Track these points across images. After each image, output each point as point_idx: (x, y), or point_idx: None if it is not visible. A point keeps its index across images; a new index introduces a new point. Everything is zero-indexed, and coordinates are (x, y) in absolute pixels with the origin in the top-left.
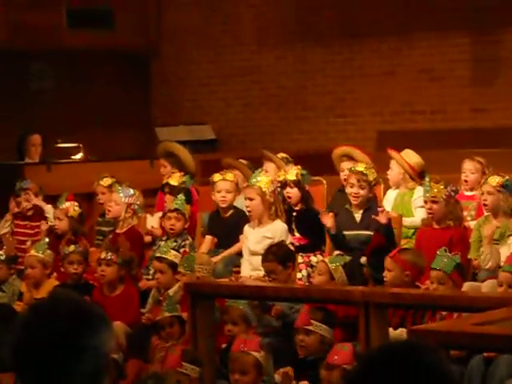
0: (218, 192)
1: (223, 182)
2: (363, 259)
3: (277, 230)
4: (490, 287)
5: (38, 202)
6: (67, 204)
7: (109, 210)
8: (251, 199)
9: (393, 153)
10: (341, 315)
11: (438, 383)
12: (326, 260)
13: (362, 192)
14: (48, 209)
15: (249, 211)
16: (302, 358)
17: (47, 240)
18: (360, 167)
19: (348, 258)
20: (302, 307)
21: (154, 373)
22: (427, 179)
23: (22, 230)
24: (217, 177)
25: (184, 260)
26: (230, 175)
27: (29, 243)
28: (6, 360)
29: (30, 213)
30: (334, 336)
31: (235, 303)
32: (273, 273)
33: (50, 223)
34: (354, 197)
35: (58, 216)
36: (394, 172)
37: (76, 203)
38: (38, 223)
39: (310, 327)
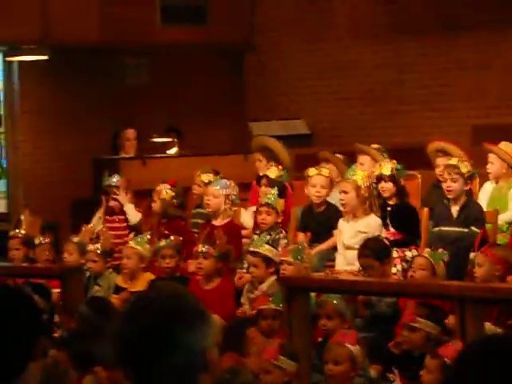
0: (313, 187)
1: (318, 177)
2: (472, 255)
3: (371, 224)
4: None
5: (122, 198)
6: (161, 186)
7: (208, 204)
8: (346, 192)
9: (493, 147)
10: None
11: None
12: (427, 255)
13: (454, 185)
14: (129, 209)
15: (343, 204)
16: (398, 353)
17: (149, 233)
18: (452, 161)
19: (446, 254)
20: (408, 303)
21: (231, 366)
22: None
23: (110, 225)
24: (312, 171)
25: (293, 250)
26: (325, 171)
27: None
28: (107, 353)
29: (118, 210)
30: None
31: (329, 298)
32: (369, 268)
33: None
34: (448, 191)
35: (153, 198)
36: (496, 166)
37: (168, 186)
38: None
39: (416, 324)
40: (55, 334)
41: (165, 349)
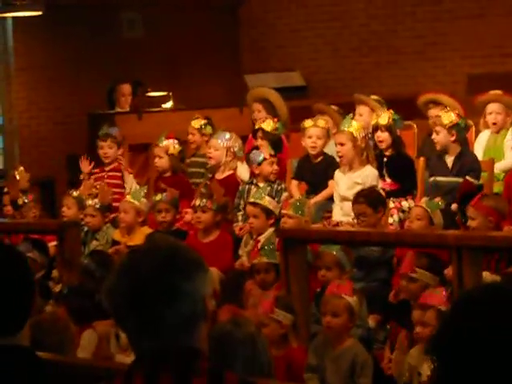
0: (309, 138)
1: (314, 129)
2: (454, 206)
3: (368, 175)
4: None
5: (124, 165)
6: (167, 142)
7: (210, 157)
8: (342, 144)
9: (498, 95)
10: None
11: None
12: (424, 205)
13: (437, 137)
14: (129, 179)
15: (340, 156)
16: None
17: (146, 188)
18: (438, 111)
19: (442, 202)
20: (407, 253)
21: (233, 317)
22: None
23: (97, 175)
24: (308, 123)
25: (294, 203)
26: (321, 122)
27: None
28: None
29: (107, 160)
30: None
31: (328, 248)
32: (362, 215)
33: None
34: (435, 143)
35: (159, 154)
36: (502, 116)
37: (176, 141)
38: (114, 174)
39: (415, 275)
40: (55, 289)
41: (170, 297)
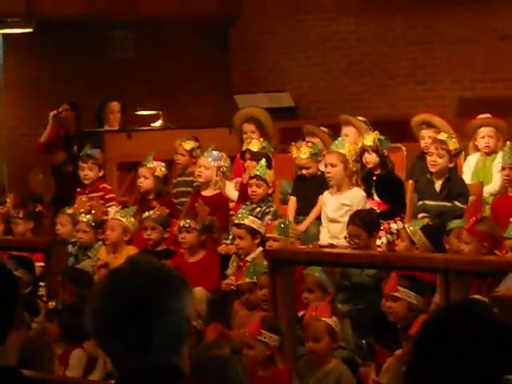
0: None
1: (299, 160)
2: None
3: (355, 196)
4: None
5: (101, 207)
6: (154, 164)
7: (199, 175)
8: (333, 165)
9: (492, 119)
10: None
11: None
12: (406, 226)
13: (439, 160)
14: (112, 212)
15: (329, 177)
16: (385, 324)
17: (135, 208)
18: (441, 136)
19: (427, 220)
20: (391, 274)
21: (216, 339)
22: (508, 145)
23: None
24: (294, 152)
25: (278, 226)
26: (304, 149)
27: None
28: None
29: (87, 182)
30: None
31: (311, 270)
32: (356, 237)
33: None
34: (432, 165)
35: (144, 174)
36: (494, 140)
37: (163, 164)
38: (95, 195)
39: (397, 294)
40: (49, 305)
41: (157, 315)
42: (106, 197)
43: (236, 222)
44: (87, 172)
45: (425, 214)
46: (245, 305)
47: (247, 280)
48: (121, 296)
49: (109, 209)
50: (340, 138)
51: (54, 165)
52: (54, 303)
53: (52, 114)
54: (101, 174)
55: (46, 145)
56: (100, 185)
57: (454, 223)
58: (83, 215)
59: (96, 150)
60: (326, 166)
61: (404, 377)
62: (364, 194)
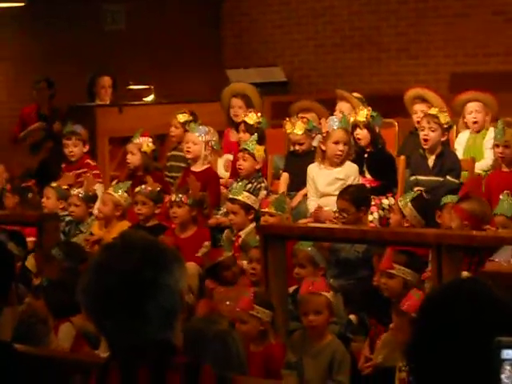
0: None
1: (293, 135)
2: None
3: (349, 170)
4: None
5: (94, 181)
6: (141, 139)
7: (188, 151)
8: (346, 143)
9: (478, 93)
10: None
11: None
12: (398, 199)
13: (432, 134)
14: (99, 188)
15: (341, 155)
16: (379, 301)
17: (129, 183)
18: (432, 110)
19: (418, 193)
20: (386, 250)
21: (206, 314)
22: (500, 122)
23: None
24: (288, 127)
25: (274, 201)
26: (299, 125)
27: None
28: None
29: (73, 158)
30: None
31: (302, 246)
32: (344, 212)
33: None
34: (424, 140)
35: (131, 150)
36: (482, 114)
37: (150, 139)
38: (82, 171)
39: (393, 271)
40: (34, 282)
41: (151, 291)
42: (91, 173)
43: (230, 197)
44: (72, 148)
45: (420, 188)
46: (229, 281)
47: (229, 254)
48: (113, 272)
49: (95, 186)
50: (345, 114)
51: (32, 144)
52: (39, 279)
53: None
54: (85, 149)
55: (20, 127)
56: (85, 161)
57: (449, 198)
58: (74, 189)
59: (78, 125)
60: (336, 142)
61: (405, 356)
62: (356, 167)
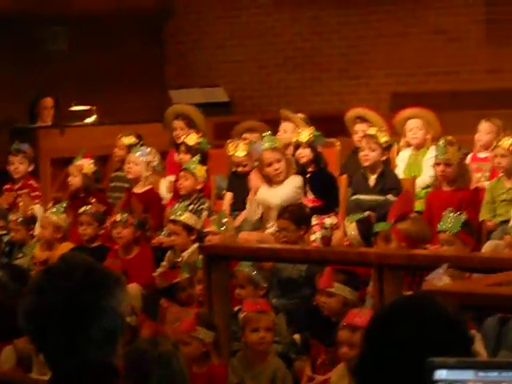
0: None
1: (236, 157)
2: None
3: (295, 183)
4: (491, 247)
5: (30, 202)
6: (82, 161)
7: (129, 172)
8: (279, 160)
9: (417, 110)
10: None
11: (446, 327)
12: (346, 218)
13: (371, 154)
14: (37, 209)
15: (279, 174)
16: (320, 320)
17: (65, 203)
18: (371, 130)
19: (364, 215)
20: (325, 269)
21: (151, 335)
22: (442, 140)
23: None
24: (230, 149)
25: (215, 219)
26: (241, 147)
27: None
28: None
29: (17, 176)
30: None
31: (241, 266)
32: (284, 230)
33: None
34: (364, 159)
35: (72, 172)
36: (422, 132)
37: (91, 161)
38: (20, 191)
39: (332, 289)
40: None
41: (92, 313)
42: (32, 194)
43: (172, 218)
44: (17, 165)
45: (370, 213)
46: (184, 302)
47: (186, 275)
48: (54, 295)
49: (34, 206)
50: (268, 133)
51: None
52: None
53: None
54: (30, 169)
55: None
56: (28, 181)
57: (380, 226)
58: (12, 213)
59: (25, 144)
60: (269, 164)
61: (353, 373)
62: (301, 182)
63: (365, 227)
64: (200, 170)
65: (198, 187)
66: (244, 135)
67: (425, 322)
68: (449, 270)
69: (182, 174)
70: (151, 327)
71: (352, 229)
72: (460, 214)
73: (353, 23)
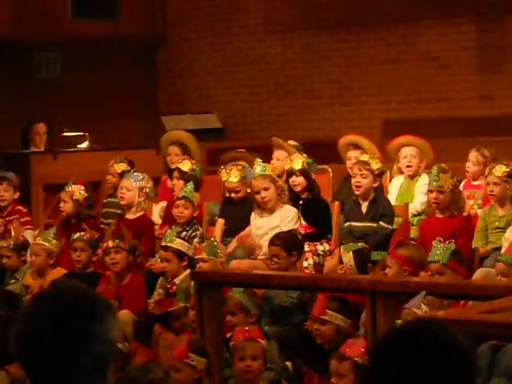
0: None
1: (229, 183)
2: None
3: (285, 216)
4: (482, 275)
5: (21, 229)
6: (73, 187)
7: (122, 197)
8: (267, 189)
9: (412, 138)
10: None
11: (454, 356)
12: (342, 246)
13: (363, 181)
14: (28, 235)
15: (266, 202)
16: (312, 347)
17: (55, 229)
18: (363, 157)
19: (361, 245)
20: (318, 297)
21: (142, 363)
22: (435, 168)
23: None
24: (223, 176)
25: (206, 246)
26: (235, 172)
27: None
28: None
29: (3, 203)
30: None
31: (232, 293)
32: (276, 257)
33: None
34: (356, 186)
35: (64, 198)
36: (417, 160)
37: (82, 187)
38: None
39: (325, 317)
40: None
41: (83, 339)
42: (21, 220)
43: (163, 244)
44: (3, 193)
45: (365, 246)
46: (178, 330)
47: (181, 304)
48: (44, 322)
49: (25, 232)
50: (257, 162)
51: None
52: None
53: None
54: (16, 196)
55: None
56: (15, 207)
57: (379, 255)
58: (3, 240)
59: (10, 172)
60: (257, 192)
61: None
62: (295, 212)
63: (360, 258)
64: (196, 198)
65: (195, 214)
66: (232, 163)
67: (438, 349)
68: (427, 297)
69: (181, 202)
70: (146, 354)
71: (349, 258)
72: (449, 242)
73: (344, 50)
